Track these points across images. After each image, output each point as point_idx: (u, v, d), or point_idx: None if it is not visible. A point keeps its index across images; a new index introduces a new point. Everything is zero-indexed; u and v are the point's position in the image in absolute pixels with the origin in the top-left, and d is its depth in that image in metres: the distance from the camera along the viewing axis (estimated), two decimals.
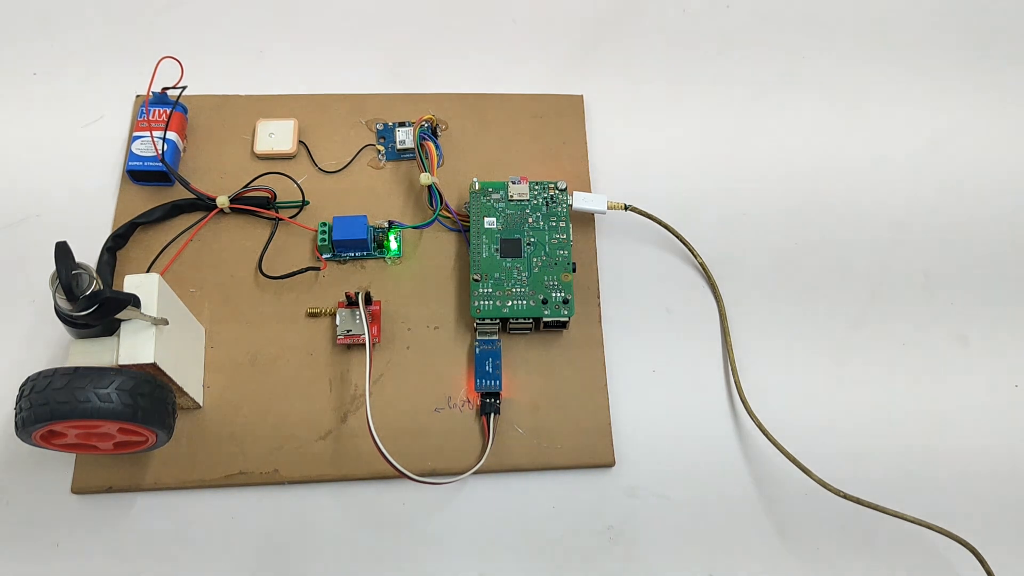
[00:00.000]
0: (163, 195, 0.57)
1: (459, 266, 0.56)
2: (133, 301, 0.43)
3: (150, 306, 0.44)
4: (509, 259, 0.53)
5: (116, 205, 0.57)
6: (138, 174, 0.56)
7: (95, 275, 0.42)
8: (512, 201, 0.55)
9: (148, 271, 0.54)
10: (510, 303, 0.52)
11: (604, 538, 0.50)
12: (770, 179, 0.61)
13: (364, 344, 0.51)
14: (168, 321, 0.45)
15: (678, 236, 0.58)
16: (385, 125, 0.60)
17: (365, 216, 0.55)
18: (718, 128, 0.63)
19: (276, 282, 0.55)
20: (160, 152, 0.55)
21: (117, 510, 0.50)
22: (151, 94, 0.56)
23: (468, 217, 0.55)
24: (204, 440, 0.50)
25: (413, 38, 0.65)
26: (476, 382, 0.52)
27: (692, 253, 0.58)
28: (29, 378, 0.42)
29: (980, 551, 0.48)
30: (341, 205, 0.57)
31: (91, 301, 0.41)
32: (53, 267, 0.40)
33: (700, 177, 0.61)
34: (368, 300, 0.52)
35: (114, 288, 0.45)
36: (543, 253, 0.53)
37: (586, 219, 0.58)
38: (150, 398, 0.43)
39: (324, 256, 0.55)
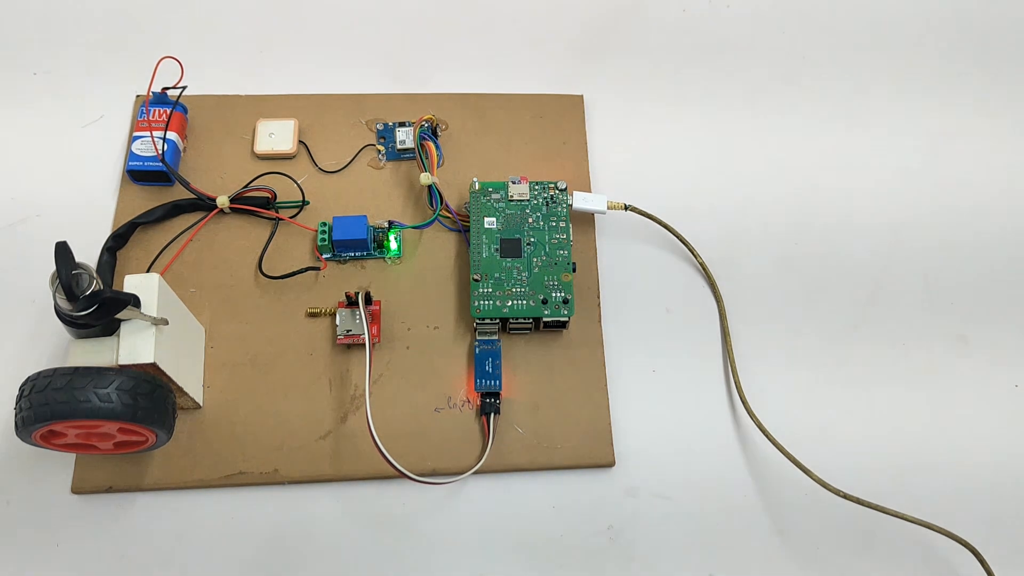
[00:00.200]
0: (163, 195, 0.57)
1: (459, 266, 0.56)
2: (133, 301, 0.43)
3: (150, 306, 0.44)
4: (509, 259, 0.53)
5: (116, 205, 0.57)
6: (138, 174, 0.56)
7: (95, 275, 0.42)
8: (512, 201, 0.55)
9: (148, 271, 0.54)
10: (510, 303, 0.52)
11: (604, 538, 0.50)
12: (770, 179, 0.61)
13: (364, 344, 0.51)
14: (168, 321, 0.45)
15: (678, 236, 0.58)
16: (385, 125, 0.60)
17: (365, 216, 0.55)
18: (718, 128, 0.63)
19: (276, 282, 0.55)
20: (160, 152, 0.55)
21: (117, 510, 0.50)
22: (151, 94, 0.56)
23: (468, 217, 0.55)
24: (204, 440, 0.50)
25: (413, 38, 0.65)
26: (476, 382, 0.52)
27: (692, 253, 0.58)
28: (29, 378, 0.42)
29: (980, 551, 0.48)
30: (341, 205, 0.57)
31: (91, 301, 0.41)
32: (53, 267, 0.40)
33: (700, 177, 0.61)
34: (368, 300, 0.52)
35: (114, 288, 0.45)
36: (543, 253, 0.53)
37: (586, 219, 0.58)
38: (150, 398, 0.43)
39: (324, 256, 0.55)
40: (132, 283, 0.45)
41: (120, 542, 0.49)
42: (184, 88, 0.56)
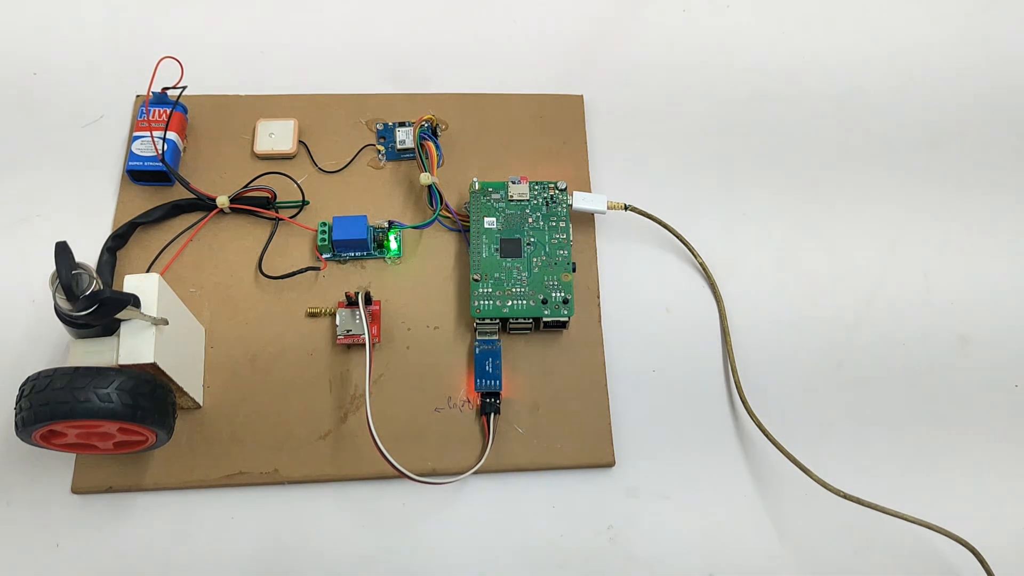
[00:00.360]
0: (163, 195, 0.57)
1: (459, 266, 0.56)
2: (133, 301, 0.43)
3: (150, 306, 0.44)
4: (509, 259, 0.53)
5: (116, 205, 0.57)
6: (138, 174, 0.56)
7: (95, 275, 0.41)
8: (512, 201, 0.55)
9: (148, 271, 0.54)
10: (510, 303, 0.52)
11: (604, 538, 0.50)
12: (770, 179, 0.61)
13: (364, 344, 0.51)
14: (168, 321, 0.45)
15: (678, 236, 0.58)
16: (385, 125, 0.60)
17: (365, 216, 0.55)
18: (718, 128, 0.63)
19: (276, 282, 0.55)
20: (160, 152, 0.55)
21: (117, 510, 0.50)
22: (151, 94, 0.56)
23: (468, 217, 0.55)
24: (204, 440, 0.50)
25: (413, 38, 0.65)
26: (476, 382, 0.52)
27: (692, 253, 0.58)
28: (29, 378, 0.42)
29: (980, 551, 0.48)
30: (341, 205, 0.57)
31: (91, 301, 0.41)
32: (53, 267, 0.40)
33: (700, 177, 0.61)
34: (368, 300, 0.52)
35: (114, 288, 0.45)
36: (543, 253, 0.53)
37: (586, 219, 0.58)
38: (150, 398, 0.43)
39: (324, 256, 0.55)
40: (132, 283, 0.45)
41: (120, 542, 0.49)
42: (184, 88, 0.56)
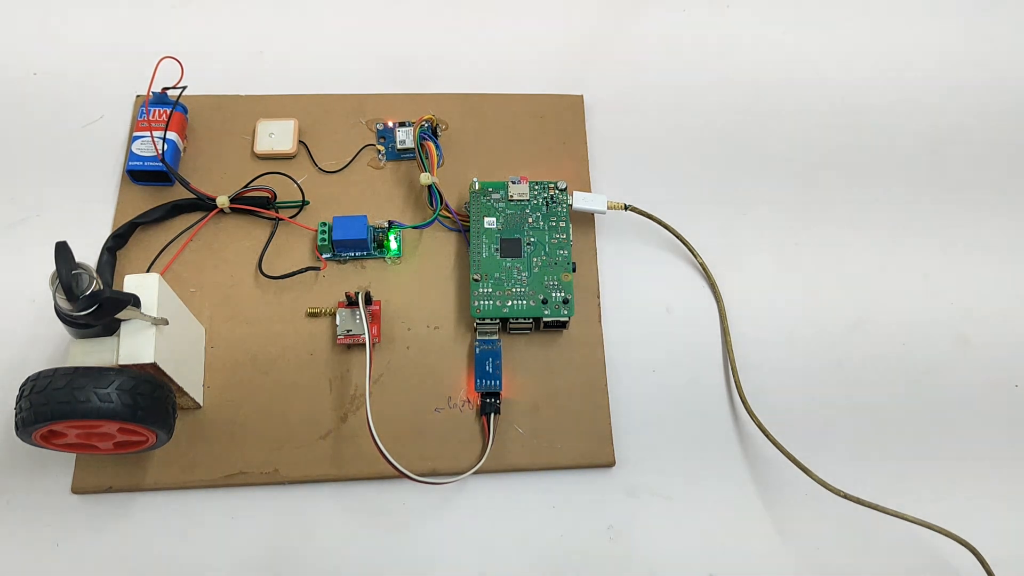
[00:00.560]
0: (163, 195, 0.57)
1: (459, 266, 0.56)
2: (133, 301, 0.43)
3: (150, 306, 0.44)
4: (509, 259, 0.53)
5: (116, 205, 0.57)
6: (138, 174, 0.56)
7: (95, 275, 0.41)
8: (512, 201, 0.55)
9: (148, 271, 0.54)
10: (510, 303, 0.52)
11: (604, 538, 0.50)
12: (770, 179, 0.61)
13: (364, 344, 0.51)
14: (168, 321, 0.45)
15: (678, 236, 0.58)
16: (385, 125, 0.60)
17: (365, 216, 0.55)
18: (718, 128, 0.63)
19: (276, 282, 0.55)
20: (160, 152, 0.55)
21: (117, 510, 0.50)
22: (151, 94, 0.56)
23: (468, 217, 0.55)
24: (204, 440, 0.50)
25: (413, 38, 0.65)
26: (476, 382, 0.52)
27: (692, 253, 0.58)
28: (29, 378, 0.42)
29: (980, 551, 0.48)
30: (341, 205, 0.57)
31: (91, 301, 0.41)
32: (53, 267, 0.40)
33: (700, 177, 0.61)
34: (368, 300, 0.52)
35: (114, 288, 0.45)
36: (543, 253, 0.53)
37: (586, 219, 0.58)
38: (150, 398, 0.43)
39: (324, 256, 0.55)
40: (132, 283, 0.45)
41: (120, 542, 0.49)
42: (184, 88, 0.56)
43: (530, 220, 0.54)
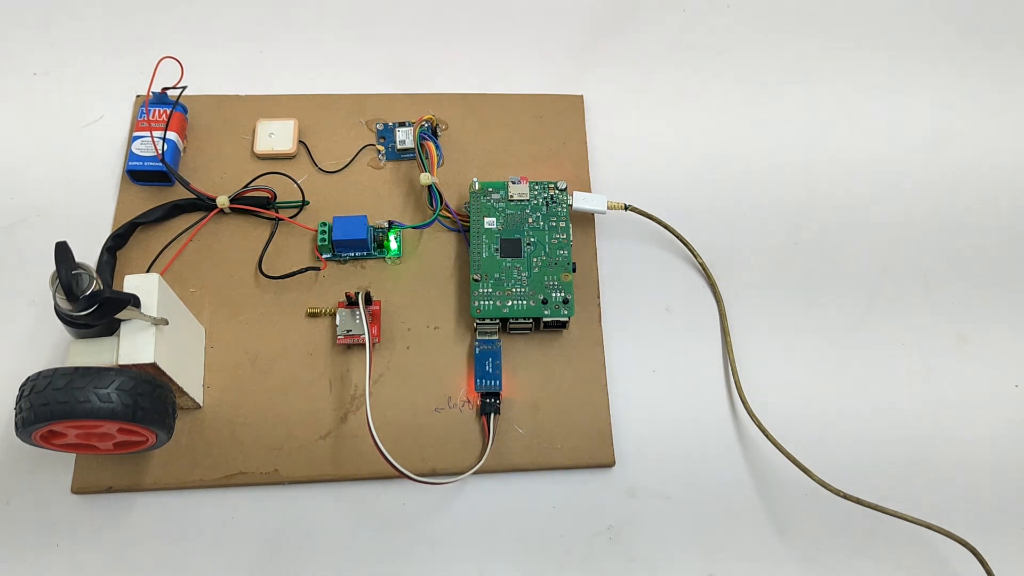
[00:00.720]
0: (163, 195, 0.57)
1: (459, 266, 0.56)
2: (133, 301, 0.43)
3: (150, 306, 0.44)
4: (509, 259, 0.53)
5: (116, 205, 0.57)
6: (138, 174, 0.56)
7: (95, 275, 0.42)
8: (512, 201, 0.55)
9: (148, 271, 0.54)
10: (510, 303, 0.52)
11: (604, 538, 0.50)
12: (770, 178, 0.61)
13: (364, 344, 0.51)
14: (168, 321, 0.45)
15: (678, 236, 0.58)
16: (385, 125, 0.60)
17: (365, 216, 0.55)
18: (718, 127, 0.63)
19: (276, 282, 0.55)
20: (160, 152, 0.55)
21: (117, 510, 0.50)
22: (151, 94, 0.56)
23: (468, 217, 0.55)
24: (204, 440, 0.50)
25: (413, 38, 0.65)
26: (476, 382, 0.52)
27: (692, 253, 0.58)
28: (29, 378, 0.42)
29: (980, 551, 0.48)
30: (341, 205, 0.57)
31: (91, 301, 0.41)
32: (53, 267, 0.40)
33: (700, 177, 0.61)
34: (368, 300, 0.52)
35: (114, 288, 0.45)
36: (543, 253, 0.53)
37: (586, 219, 0.58)
38: (150, 398, 0.43)
39: (324, 256, 0.55)
40: (132, 283, 0.45)
41: (120, 542, 0.49)
42: (184, 88, 0.56)
43: (530, 220, 0.54)
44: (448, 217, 0.56)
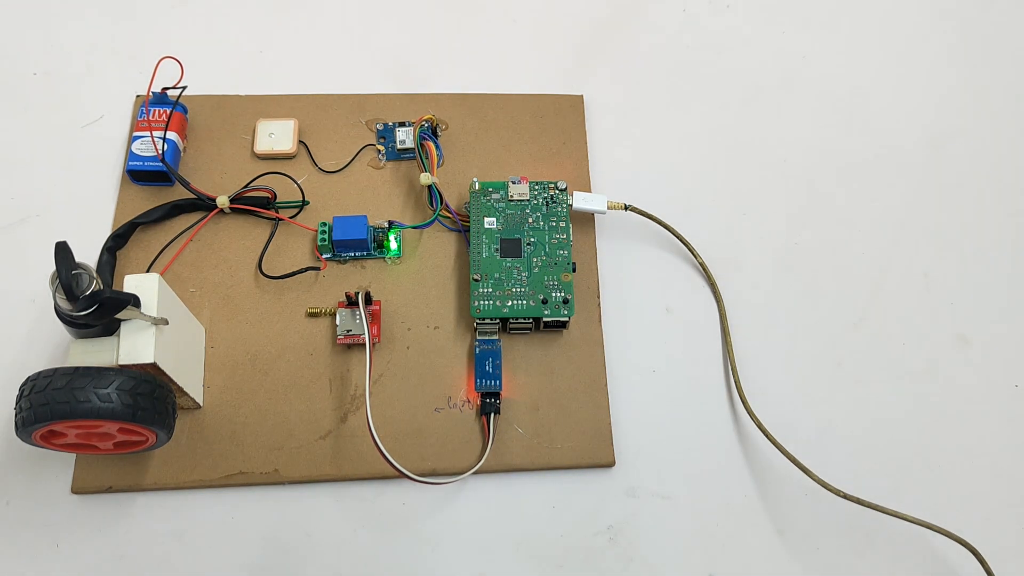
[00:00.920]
0: (163, 195, 0.57)
1: (459, 266, 0.56)
2: (133, 301, 0.43)
3: (150, 306, 0.44)
4: (509, 259, 0.53)
5: (116, 205, 0.57)
6: (138, 174, 0.56)
7: (95, 275, 0.42)
8: (512, 201, 0.55)
9: (148, 271, 0.54)
10: (510, 303, 0.52)
11: (604, 538, 0.50)
12: (770, 178, 0.61)
13: (364, 344, 0.51)
14: (168, 321, 0.45)
15: (678, 236, 0.58)
16: (385, 125, 0.60)
17: (365, 216, 0.55)
18: (718, 128, 0.63)
19: (276, 282, 0.55)
20: (160, 152, 0.55)
21: (117, 510, 0.50)
22: (151, 94, 0.56)
23: (468, 217, 0.55)
24: (204, 440, 0.50)
25: (413, 38, 0.65)
26: (476, 382, 0.52)
27: (692, 253, 0.58)
28: (29, 378, 0.42)
29: (980, 551, 0.48)
30: (341, 205, 0.57)
31: (91, 301, 0.41)
32: (53, 267, 0.40)
33: (700, 177, 0.61)
34: (368, 300, 0.52)
35: (114, 288, 0.45)
36: (543, 253, 0.53)
37: (586, 219, 0.58)
38: (150, 398, 0.43)
39: (324, 256, 0.55)
40: (132, 283, 0.45)
41: (120, 542, 0.49)
42: (184, 88, 0.56)
43: (530, 220, 0.54)
44: (448, 217, 0.56)
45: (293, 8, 0.66)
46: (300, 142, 0.59)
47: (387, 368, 0.53)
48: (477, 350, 0.52)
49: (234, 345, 0.53)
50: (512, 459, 0.51)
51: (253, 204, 0.56)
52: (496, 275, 0.53)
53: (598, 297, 0.56)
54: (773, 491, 0.52)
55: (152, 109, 0.57)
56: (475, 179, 0.55)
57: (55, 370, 0.42)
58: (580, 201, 0.56)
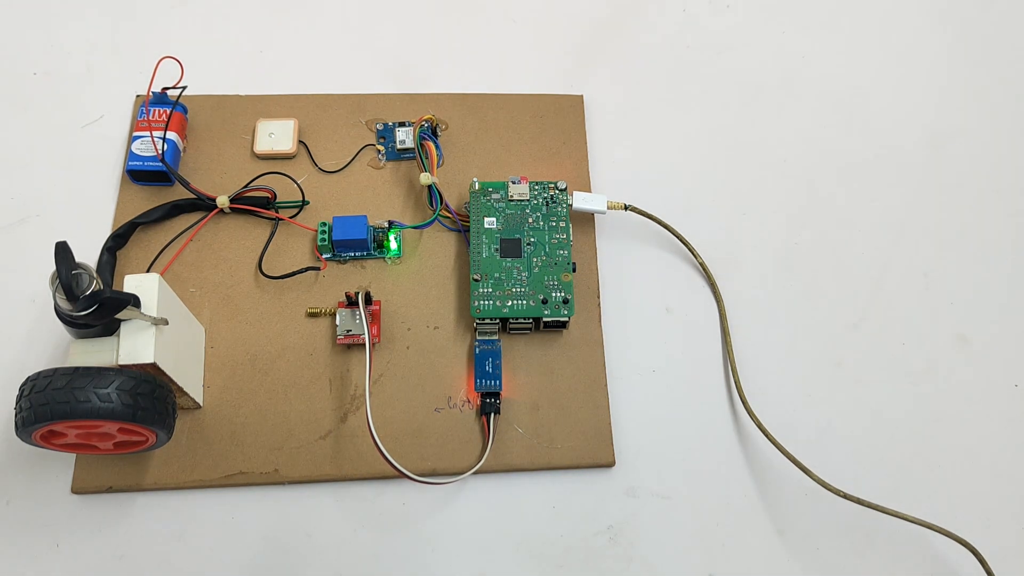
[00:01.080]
0: (163, 195, 0.57)
1: (459, 266, 0.56)
2: (133, 301, 0.43)
3: (150, 306, 0.44)
4: (509, 259, 0.53)
5: (116, 205, 0.57)
6: (138, 174, 0.56)
7: (95, 275, 0.42)
8: (512, 201, 0.55)
9: (148, 271, 0.54)
10: (510, 303, 0.52)
11: (604, 538, 0.50)
12: (770, 178, 0.61)
13: (364, 344, 0.51)
14: (168, 321, 0.45)
15: (678, 236, 0.58)
16: (385, 125, 0.60)
17: (365, 216, 0.55)
18: (718, 128, 0.63)
19: (276, 282, 0.55)
20: (160, 152, 0.55)
21: (117, 510, 0.50)
22: (151, 94, 0.56)
23: (468, 217, 0.55)
24: (204, 440, 0.50)
25: (413, 38, 0.65)
26: (476, 382, 0.52)
27: (692, 253, 0.58)
28: (29, 378, 0.42)
29: (980, 551, 0.48)
30: (341, 205, 0.57)
31: (91, 301, 0.41)
32: (53, 267, 0.40)
33: (700, 177, 0.61)
34: (368, 300, 0.52)
35: (114, 288, 0.45)
36: (543, 253, 0.53)
37: (586, 219, 0.58)
38: (150, 398, 0.43)
39: (324, 256, 0.55)
40: (132, 283, 0.45)
41: (120, 542, 0.49)
42: (184, 88, 0.56)
43: (530, 220, 0.54)
44: (448, 217, 0.56)
45: (293, 8, 0.66)
46: (300, 142, 0.59)
47: (387, 368, 0.53)
48: (477, 350, 0.52)
49: (234, 345, 0.53)
50: (512, 459, 0.51)
51: (253, 204, 0.56)
52: (496, 275, 0.53)
53: (598, 297, 0.56)
54: (773, 491, 0.52)
55: (152, 109, 0.57)
56: (475, 179, 0.55)
57: (55, 370, 0.42)
58: (580, 201, 0.56)
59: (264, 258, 0.55)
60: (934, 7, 0.69)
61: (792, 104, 0.64)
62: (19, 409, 0.42)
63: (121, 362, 0.43)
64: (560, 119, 0.61)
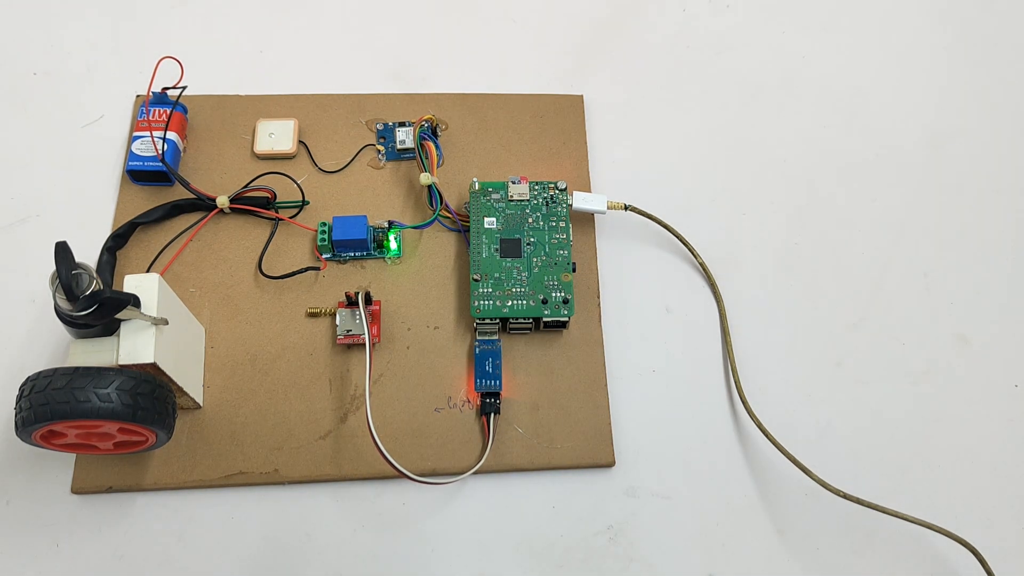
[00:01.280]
0: (163, 195, 0.57)
1: (459, 266, 0.56)
2: (133, 301, 0.43)
3: (150, 306, 0.44)
4: (509, 259, 0.53)
5: (116, 205, 0.57)
6: (138, 174, 0.56)
7: (95, 275, 0.42)
8: (512, 201, 0.55)
9: (148, 271, 0.54)
10: (510, 303, 0.52)
11: (604, 538, 0.50)
12: (770, 178, 0.61)
13: (364, 344, 0.51)
14: (168, 321, 0.45)
15: (678, 236, 0.58)
16: (385, 125, 0.60)
17: (365, 216, 0.55)
18: (718, 128, 0.63)
19: (276, 282, 0.55)
20: (160, 152, 0.55)
21: (117, 510, 0.50)
22: (151, 94, 0.56)
23: (468, 217, 0.55)
24: (204, 440, 0.50)
25: (413, 38, 0.65)
26: (476, 382, 0.52)
27: (692, 253, 0.58)
28: (29, 378, 0.42)
29: (980, 551, 0.48)
30: (341, 205, 0.58)
31: (91, 301, 0.41)
32: (53, 267, 0.40)
33: (700, 177, 0.61)
34: (368, 300, 0.52)
35: (114, 288, 0.45)
36: (543, 253, 0.53)
37: (586, 219, 0.58)
38: (150, 398, 0.43)
39: (324, 256, 0.55)
40: (132, 283, 0.45)
41: (120, 542, 0.49)
42: (184, 88, 0.56)
43: (530, 220, 0.54)
44: (448, 217, 0.56)
45: (293, 8, 0.66)
46: (300, 142, 0.59)
47: (387, 368, 0.53)
48: (477, 350, 0.52)
49: (234, 345, 0.53)
50: (512, 459, 0.51)
51: (253, 204, 0.56)
52: (496, 275, 0.53)
53: (598, 297, 0.56)
54: (773, 491, 0.52)
55: (152, 109, 0.57)
56: (475, 179, 0.55)
57: (55, 370, 0.42)
58: (580, 201, 0.56)
59: (264, 258, 0.55)
60: (934, 7, 0.69)
61: (792, 104, 0.64)
62: (19, 409, 0.42)
63: (121, 362, 0.43)
64: (560, 119, 0.61)
